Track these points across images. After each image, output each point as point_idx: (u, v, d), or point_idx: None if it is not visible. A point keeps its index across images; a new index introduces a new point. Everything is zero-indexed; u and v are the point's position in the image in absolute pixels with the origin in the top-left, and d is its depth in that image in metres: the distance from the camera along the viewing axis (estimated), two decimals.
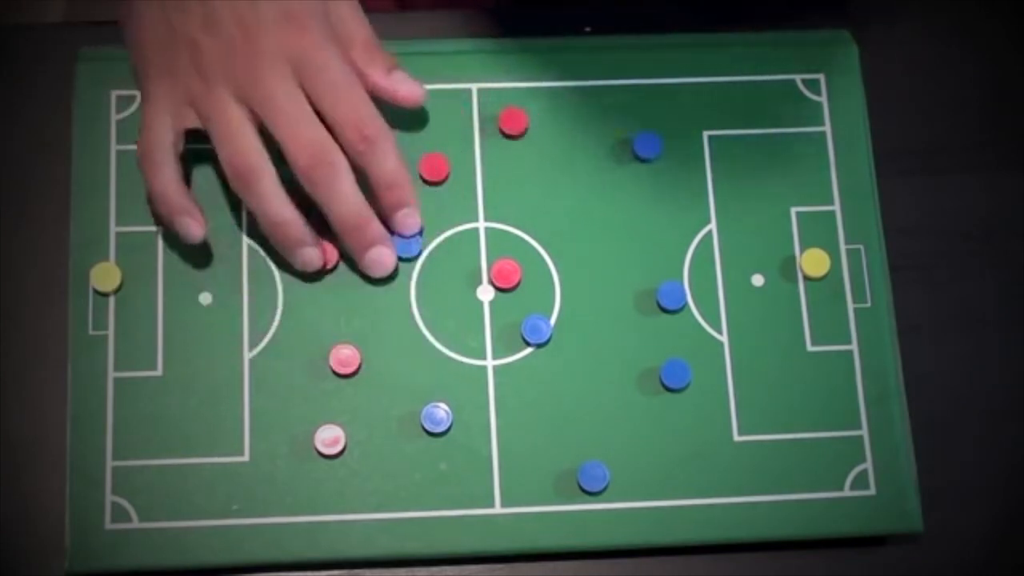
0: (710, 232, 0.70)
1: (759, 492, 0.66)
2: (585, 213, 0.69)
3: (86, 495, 0.64)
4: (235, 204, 0.68)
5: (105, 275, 0.66)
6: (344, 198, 0.64)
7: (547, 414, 0.67)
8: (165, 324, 0.66)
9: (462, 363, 0.67)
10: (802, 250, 0.69)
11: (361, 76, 0.65)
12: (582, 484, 0.65)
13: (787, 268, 0.69)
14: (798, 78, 0.72)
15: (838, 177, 0.71)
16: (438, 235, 0.69)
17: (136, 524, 0.64)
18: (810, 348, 0.68)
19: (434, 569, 0.66)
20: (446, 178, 0.69)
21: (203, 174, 0.68)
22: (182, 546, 0.64)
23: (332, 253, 0.67)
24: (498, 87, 0.71)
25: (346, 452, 0.65)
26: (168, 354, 0.66)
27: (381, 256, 0.66)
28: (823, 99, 0.72)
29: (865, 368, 0.68)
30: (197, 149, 0.68)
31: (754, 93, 0.71)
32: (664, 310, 0.68)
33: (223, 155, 0.63)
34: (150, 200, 0.65)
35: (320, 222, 0.65)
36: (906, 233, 0.72)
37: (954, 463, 0.69)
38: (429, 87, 0.70)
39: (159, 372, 0.66)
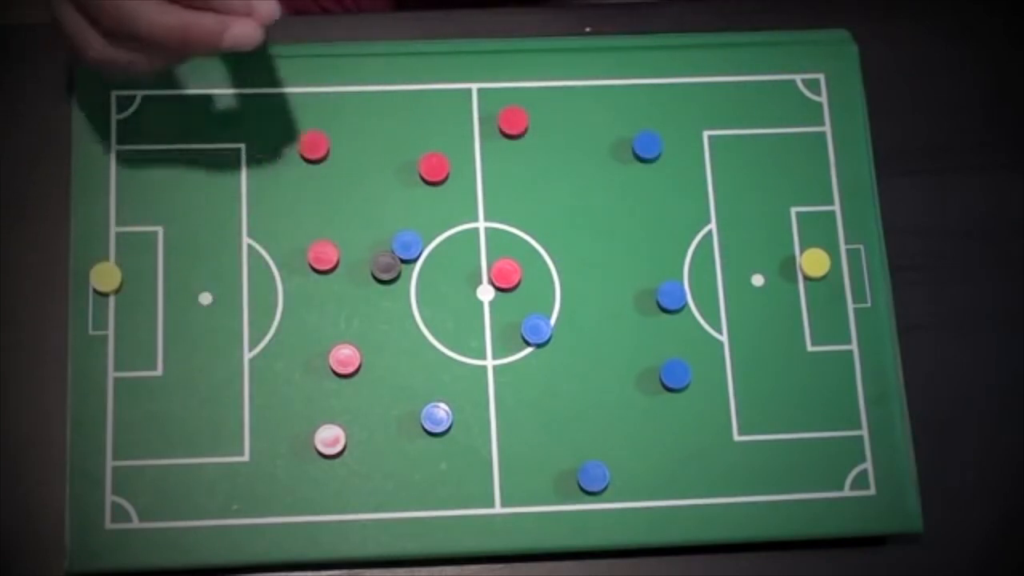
0: (710, 232, 0.70)
1: (759, 492, 0.66)
2: (585, 213, 0.69)
3: (86, 495, 0.64)
4: (234, 204, 0.68)
5: (105, 275, 0.66)
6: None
7: (547, 414, 0.67)
8: (165, 324, 0.66)
9: (462, 363, 0.67)
10: (802, 250, 0.69)
11: None
12: (582, 484, 0.65)
13: (787, 268, 0.69)
14: (798, 78, 0.72)
15: (838, 177, 0.71)
16: (438, 235, 0.69)
17: (136, 524, 0.64)
18: (810, 348, 0.68)
19: (434, 569, 0.66)
20: (446, 178, 0.69)
21: (201, 173, 0.68)
22: (182, 546, 0.64)
23: (332, 253, 0.67)
24: (498, 87, 0.71)
25: (346, 452, 0.65)
26: (168, 354, 0.66)
27: (245, 29, 0.60)
28: (823, 99, 0.72)
29: (865, 368, 0.68)
30: (194, 150, 0.68)
31: (754, 93, 0.71)
32: (664, 310, 0.68)
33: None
34: (106, 66, 0.61)
35: None
36: (906, 233, 0.72)
37: (954, 463, 0.69)
38: (429, 87, 0.70)
39: (159, 372, 0.66)
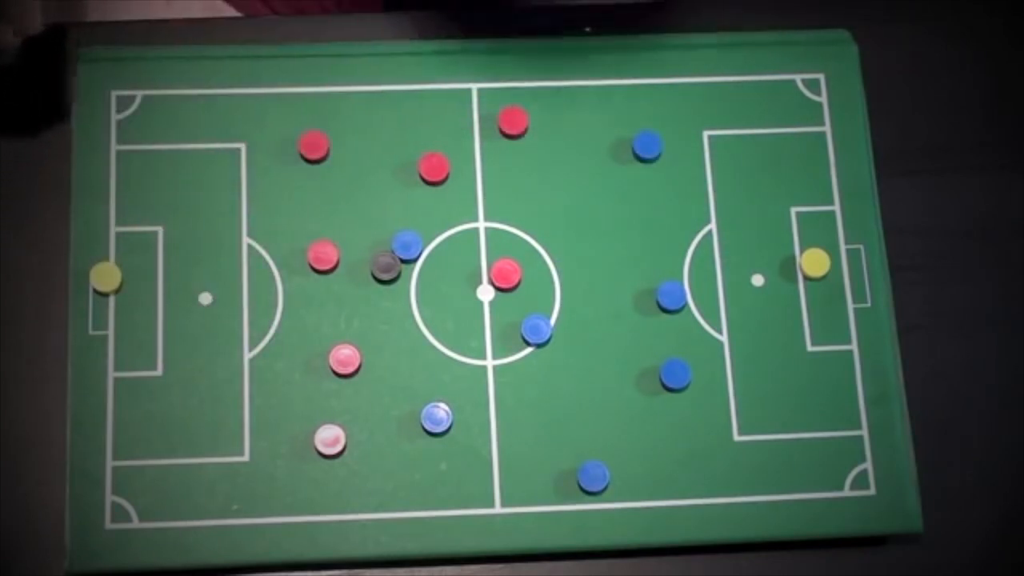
0: (710, 232, 0.70)
1: (759, 492, 0.66)
2: (585, 213, 0.69)
3: (86, 495, 0.64)
4: (234, 204, 0.68)
5: (105, 275, 0.66)
6: None
7: (547, 414, 0.67)
8: (165, 324, 0.66)
9: (462, 363, 0.67)
10: (802, 250, 0.69)
11: None
12: (582, 484, 0.65)
13: (787, 268, 0.69)
14: (798, 78, 0.72)
15: (838, 177, 0.71)
16: (438, 235, 0.69)
17: (136, 524, 0.64)
18: (810, 348, 0.68)
19: (434, 569, 0.66)
20: (446, 178, 0.69)
21: (201, 173, 0.68)
22: (182, 546, 0.64)
23: (332, 253, 0.67)
24: (498, 87, 0.71)
25: (346, 452, 0.65)
26: (168, 354, 0.66)
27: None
28: (823, 99, 0.72)
29: (865, 368, 0.68)
30: (194, 150, 0.68)
31: (754, 93, 0.71)
32: (664, 310, 0.68)
33: None
34: None
35: None
36: (906, 233, 0.72)
37: (954, 463, 0.69)
38: (429, 87, 0.70)
39: (159, 372, 0.66)
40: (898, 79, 0.74)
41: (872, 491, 0.67)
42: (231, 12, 0.88)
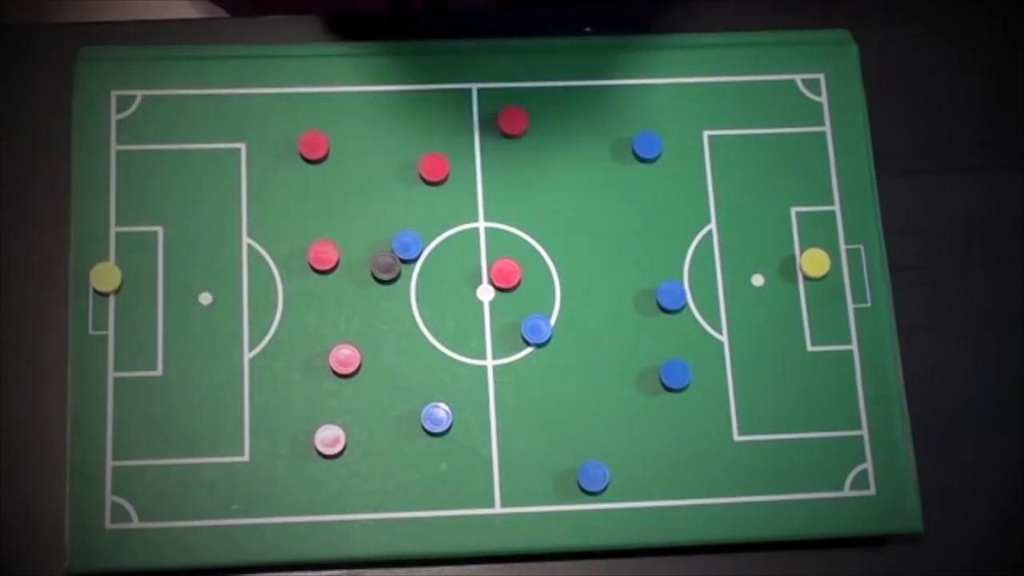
0: (710, 232, 0.70)
1: (759, 492, 0.66)
2: (585, 213, 0.69)
3: (86, 495, 0.64)
4: (234, 204, 0.68)
5: (105, 275, 0.66)
6: None
7: (547, 414, 0.67)
8: (165, 324, 0.66)
9: (462, 363, 0.67)
10: (802, 250, 0.69)
11: None
12: (582, 484, 0.65)
13: (787, 268, 0.69)
14: (798, 78, 0.72)
15: (838, 177, 0.71)
16: (438, 235, 0.69)
17: (136, 524, 0.64)
18: (810, 348, 0.68)
19: (434, 569, 0.66)
20: (446, 178, 0.69)
21: (201, 173, 0.68)
22: (182, 546, 0.64)
23: (332, 253, 0.67)
24: (498, 87, 0.71)
25: (346, 452, 0.65)
26: (168, 354, 0.66)
27: None
28: (823, 99, 0.72)
29: (865, 368, 0.68)
30: (194, 150, 0.68)
31: (754, 93, 0.71)
32: (664, 310, 0.68)
33: None
34: None
35: None
36: (906, 233, 0.72)
37: (954, 463, 0.69)
38: (429, 87, 0.70)
39: (159, 372, 0.66)
40: (898, 79, 0.74)
41: (872, 491, 0.67)
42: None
